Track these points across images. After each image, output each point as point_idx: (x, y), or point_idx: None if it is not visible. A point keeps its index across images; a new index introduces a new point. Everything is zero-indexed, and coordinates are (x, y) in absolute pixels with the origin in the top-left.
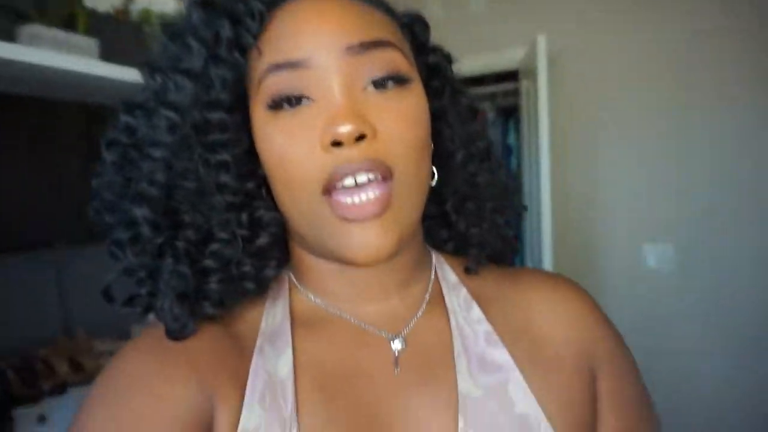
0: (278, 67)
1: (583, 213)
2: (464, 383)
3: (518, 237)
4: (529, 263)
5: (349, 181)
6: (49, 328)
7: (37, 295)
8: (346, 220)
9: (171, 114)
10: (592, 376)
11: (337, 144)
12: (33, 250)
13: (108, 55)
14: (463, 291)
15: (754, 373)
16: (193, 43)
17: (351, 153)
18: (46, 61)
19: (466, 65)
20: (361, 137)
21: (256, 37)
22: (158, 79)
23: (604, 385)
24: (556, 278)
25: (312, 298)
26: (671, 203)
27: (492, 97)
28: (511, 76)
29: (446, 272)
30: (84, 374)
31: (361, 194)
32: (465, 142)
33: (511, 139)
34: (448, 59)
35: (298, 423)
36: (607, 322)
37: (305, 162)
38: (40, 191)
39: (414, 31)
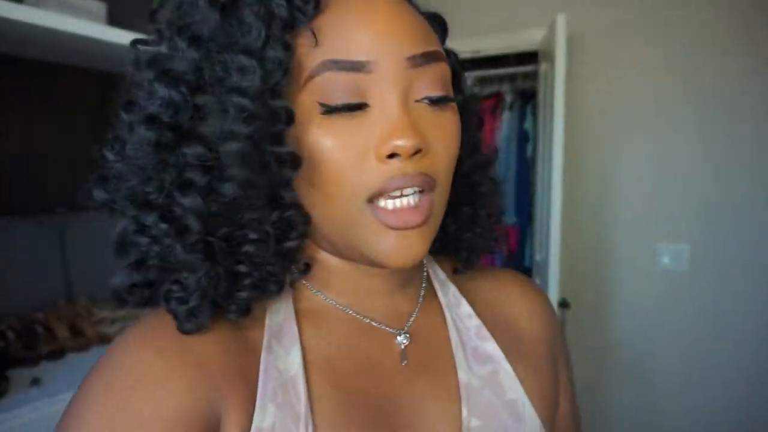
0: (336, 63)
1: (597, 209)
2: (464, 374)
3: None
4: (537, 255)
5: (396, 194)
6: (51, 292)
7: (39, 260)
8: (387, 226)
9: (245, 101)
10: (556, 366)
11: (392, 156)
12: (36, 214)
13: (116, 20)
14: (452, 288)
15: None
16: (251, 19)
17: (405, 166)
18: (51, 23)
19: (486, 44)
20: (416, 152)
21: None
22: (204, 52)
23: (560, 375)
24: (526, 279)
25: (316, 293)
26: (687, 201)
27: (511, 78)
28: (532, 57)
29: (436, 270)
30: (83, 340)
31: (403, 199)
32: (471, 151)
33: (528, 124)
34: (461, 65)
35: (313, 418)
36: (558, 322)
37: (359, 170)
38: (44, 156)
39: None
